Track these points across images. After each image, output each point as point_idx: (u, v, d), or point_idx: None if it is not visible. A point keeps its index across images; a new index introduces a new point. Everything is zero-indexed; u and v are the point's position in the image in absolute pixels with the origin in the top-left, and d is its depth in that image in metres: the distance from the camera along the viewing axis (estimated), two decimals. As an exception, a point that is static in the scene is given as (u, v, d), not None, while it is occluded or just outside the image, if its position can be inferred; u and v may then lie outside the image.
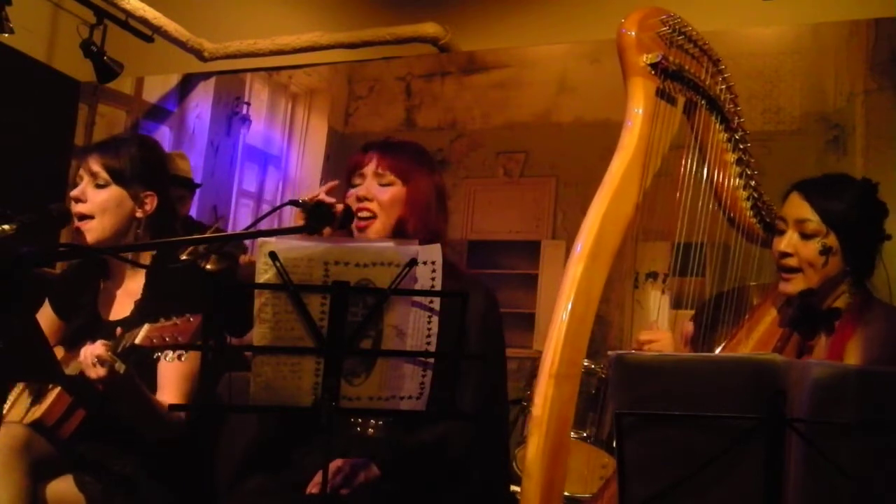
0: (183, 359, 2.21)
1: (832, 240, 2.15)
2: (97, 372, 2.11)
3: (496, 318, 2.33)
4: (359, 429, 2.20)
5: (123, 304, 2.51)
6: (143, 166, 2.51)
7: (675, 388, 1.52)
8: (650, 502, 1.52)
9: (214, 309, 1.79)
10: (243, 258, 3.35)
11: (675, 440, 1.53)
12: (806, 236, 2.17)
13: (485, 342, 2.24)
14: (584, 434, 3.29)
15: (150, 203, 2.52)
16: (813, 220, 2.16)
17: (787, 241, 2.19)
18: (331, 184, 2.25)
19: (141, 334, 2.12)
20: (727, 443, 1.49)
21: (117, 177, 2.47)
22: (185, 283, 2.42)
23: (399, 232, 2.28)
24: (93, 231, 2.45)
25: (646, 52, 2.14)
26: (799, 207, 2.19)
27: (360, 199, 2.30)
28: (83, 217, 2.46)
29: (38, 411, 2.32)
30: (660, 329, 2.32)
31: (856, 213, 2.16)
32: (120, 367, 2.12)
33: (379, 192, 2.30)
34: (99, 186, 2.47)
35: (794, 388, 1.47)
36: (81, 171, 2.49)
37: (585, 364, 3.29)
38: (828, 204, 2.16)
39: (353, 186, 2.34)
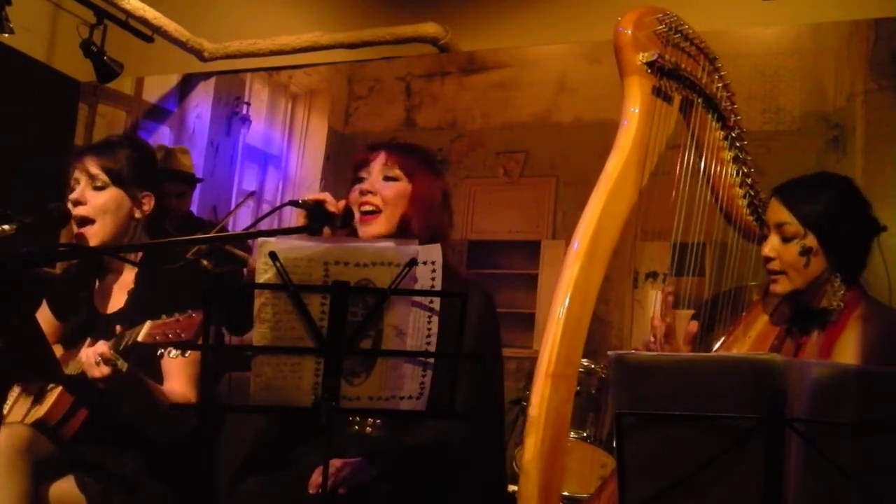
0: (187, 355, 2.21)
1: (811, 240, 2.17)
2: (101, 371, 2.11)
3: (493, 321, 2.33)
4: (357, 427, 2.21)
5: (119, 297, 2.51)
6: (139, 167, 2.52)
7: (675, 388, 1.52)
8: (650, 502, 1.52)
9: (214, 307, 1.79)
10: (252, 262, 3.33)
11: (675, 440, 1.53)
12: (786, 239, 2.20)
13: (481, 344, 2.24)
14: (584, 434, 3.29)
15: (148, 204, 2.53)
16: (790, 222, 2.18)
17: (770, 246, 2.21)
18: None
19: (143, 331, 2.12)
20: (727, 443, 1.49)
21: (116, 178, 2.48)
22: (187, 281, 2.42)
23: (403, 228, 2.29)
24: (95, 235, 2.45)
25: (642, 51, 2.14)
26: (777, 211, 2.21)
27: (363, 193, 2.30)
28: (84, 221, 2.46)
29: (39, 411, 2.32)
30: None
31: (832, 212, 2.17)
32: (122, 364, 2.12)
33: (383, 186, 2.31)
34: (97, 188, 2.47)
35: (794, 388, 1.47)
36: (77, 174, 2.49)
37: (585, 364, 3.30)
38: (803, 205, 2.18)
39: (359, 181, 2.35)
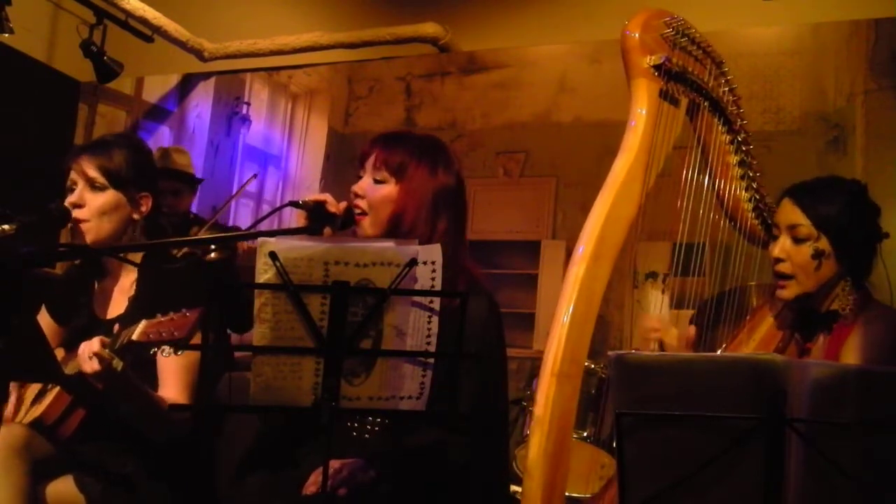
0: (180, 353, 2.21)
1: (824, 243, 2.16)
2: (92, 366, 2.10)
3: (497, 326, 2.30)
4: (354, 433, 2.20)
5: (120, 301, 2.51)
6: (136, 168, 2.50)
7: (675, 387, 1.52)
8: (650, 502, 1.52)
9: (213, 304, 1.79)
10: (242, 245, 3.33)
11: (675, 440, 1.53)
12: (798, 241, 2.18)
13: (484, 349, 2.23)
14: (585, 434, 3.29)
15: (146, 204, 2.52)
16: (804, 224, 2.17)
17: (780, 247, 2.20)
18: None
19: (138, 330, 2.12)
20: (727, 443, 1.49)
21: (114, 180, 2.46)
22: (187, 280, 2.42)
23: (394, 227, 2.24)
24: (90, 231, 2.44)
25: (649, 54, 2.15)
26: (790, 213, 2.20)
27: (354, 196, 2.29)
28: (82, 222, 2.45)
29: (37, 410, 2.32)
30: (665, 321, 2.32)
31: (846, 215, 2.17)
32: (118, 363, 2.11)
33: (371, 189, 2.27)
34: (95, 189, 2.45)
35: (794, 388, 1.47)
36: (74, 175, 2.47)
37: (585, 364, 3.29)
38: (818, 207, 2.17)
39: (358, 179, 2.33)
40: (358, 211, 2.27)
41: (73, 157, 2.51)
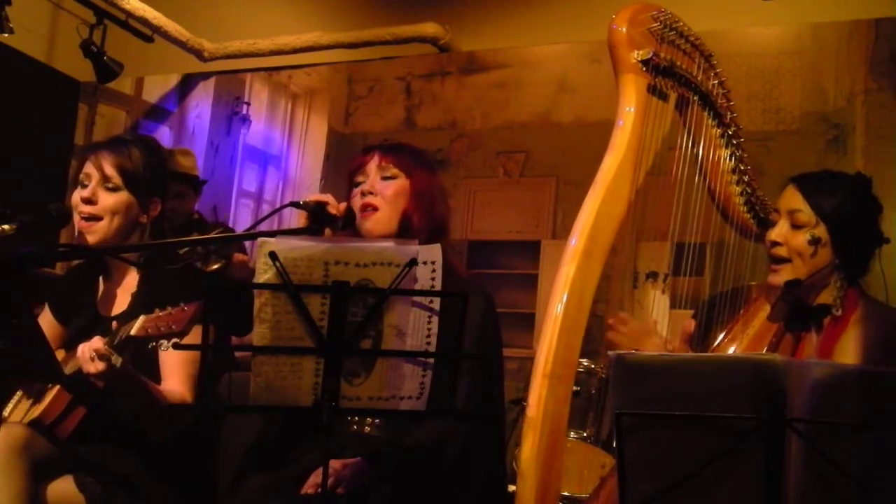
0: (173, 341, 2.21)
1: (822, 230, 2.17)
2: (96, 367, 2.10)
3: (494, 323, 2.33)
4: (355, 427, 2.21)
5: (123, 301, 2.51)
6: (151, 172, 2.52)
7: (675, 387, 1.52)
8: (650, 502, 1.52)
9: (212, 307, 1.79)
10: (237, 256, 3.35)
11: (674, 440, 1.53)
12: (797, 226, 2.19)
13: (481, 346, 2.24)
14: (584, 434, 3.29)
15: (155, 209, 2.53)
16: (804, 210, 2.18)
17: (778, 231, 2.21)
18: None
19: (136, 325, 2.13)
20: (727, 443, 1.49)
21: (130, 182, 2.47)
22: (187, 281, 2.42)
23: (405, 225, 2.30)
24: (97, 233, 2.44)
25: (637, 49, 2.14)
26: (792, 198, 2.21)
27: (364, 194, 2.32)
28: (91, 218, 2.46)
29: (36, 410, 2.32)
30: (656, 329, 2.32)
31: (847, 206, 2.17)
32: (117, 359, 2.11)
33: (382, 186, 2.33)
34: (110, 189, 2.46)
35: (794, 388, 1.47)
36: (91, 170, 2.48)
37: (585, 364, 3.30)
38: (820, 195, 2.18)
39: (357, 186, 2.36)
40: (370, 208, 2.29)
41: (92, 151, 2.52)
